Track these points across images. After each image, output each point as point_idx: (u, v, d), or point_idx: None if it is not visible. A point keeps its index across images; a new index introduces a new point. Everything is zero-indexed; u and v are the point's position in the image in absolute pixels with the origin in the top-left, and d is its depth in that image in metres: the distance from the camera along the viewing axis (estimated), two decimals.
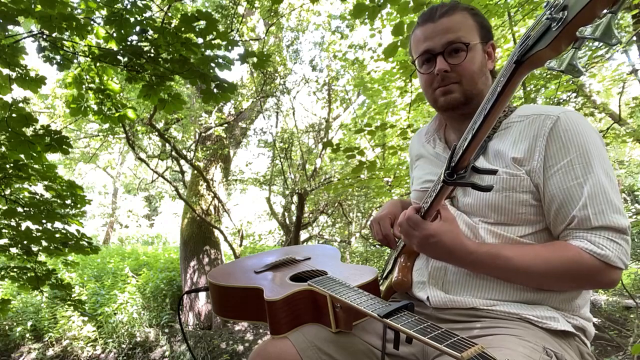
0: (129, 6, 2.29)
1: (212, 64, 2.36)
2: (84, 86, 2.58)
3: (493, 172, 0.84)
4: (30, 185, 2.61)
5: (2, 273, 2.72)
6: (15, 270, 2.72)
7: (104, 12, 2.40)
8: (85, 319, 5.61)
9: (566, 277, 0.84)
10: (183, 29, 2.23)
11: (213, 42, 2.31)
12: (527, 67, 0.61)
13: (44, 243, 2.67)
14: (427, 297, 0.95)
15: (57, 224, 2.68)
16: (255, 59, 2.48)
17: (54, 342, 5.65)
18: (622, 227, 0.83)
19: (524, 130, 0.91)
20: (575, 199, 0.85)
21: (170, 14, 3.26)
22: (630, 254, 0.85)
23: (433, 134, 1.12)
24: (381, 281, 1.13)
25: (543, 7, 0.59)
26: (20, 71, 2.26)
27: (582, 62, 3.77)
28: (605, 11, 0.50)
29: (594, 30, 0.50)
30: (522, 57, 0.60)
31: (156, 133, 5.64)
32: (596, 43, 3.88)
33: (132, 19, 2.24)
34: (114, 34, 2.35)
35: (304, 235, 7.64)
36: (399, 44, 2.34)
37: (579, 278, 0.85)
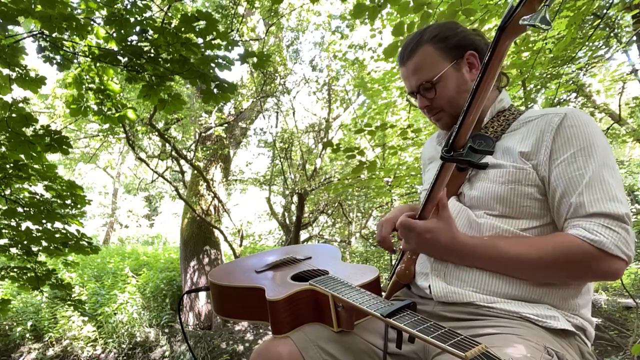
0: (129, 6, 2.29)
1: (212, 64, 2.36)
2: (84, 86, 2.58)
3: (489, 152, 0.93)
4: (30, 185, 2.60)
5: (2, 273, 2.71)
6: (15, 270, 2.72)
7: (104, 12, 2.39)
8: (85, 319, 5.61)
9: (560, 265, 0.84)
10: (183, 29, 2.23)
11: (213, 42, 2.31)
12: (509, 32, 0.68)
13: (44, 243, 2.67)
14: (429, 286, 0.96)
15: (57, 224, 2.68)
16: (255, 59, 2.48)
17: (54, 342, 5.65)
18: (618, 214, 0.82)
19: (532, 128, 0.95)
20: (575, 188, 0.86)
21: (170, 14, 3.25)
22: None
23: (444, 136, 1.16)
24: (391, 278, 1.14)
25: None
26: (20, 71, 2.25)
27: (581, 57, 3.77)
28: None
29: None
30: (504, 24, 0.68)
31: (156, 133, 5.64)
32: (595, 42, 3.88)
33: (132, 19, 2.24)
34: (114, 34, 2.35)
35: (304, 235, 7.64)
36: (399, 44, 2.33)
37: (573, 266, 0.84)
